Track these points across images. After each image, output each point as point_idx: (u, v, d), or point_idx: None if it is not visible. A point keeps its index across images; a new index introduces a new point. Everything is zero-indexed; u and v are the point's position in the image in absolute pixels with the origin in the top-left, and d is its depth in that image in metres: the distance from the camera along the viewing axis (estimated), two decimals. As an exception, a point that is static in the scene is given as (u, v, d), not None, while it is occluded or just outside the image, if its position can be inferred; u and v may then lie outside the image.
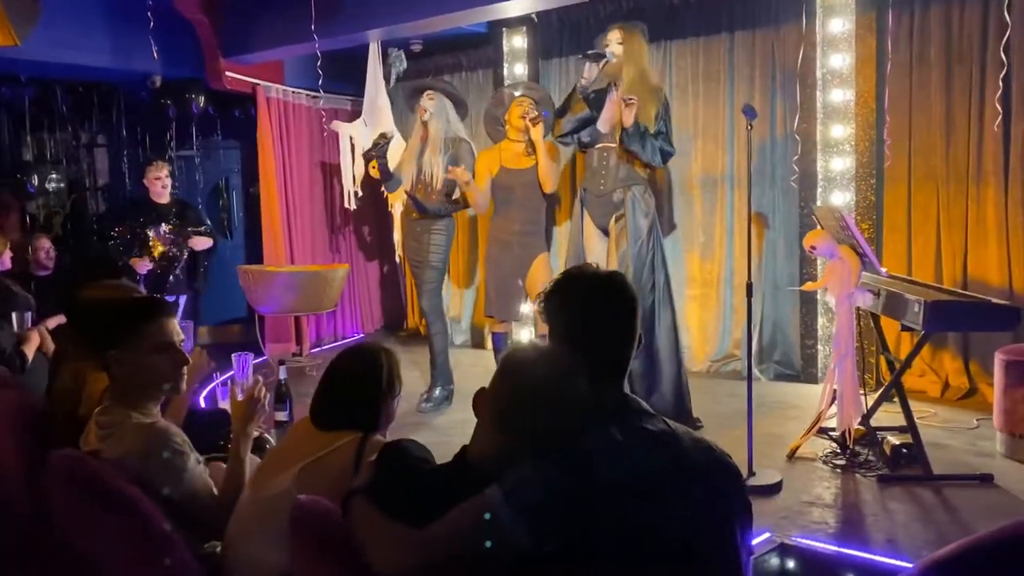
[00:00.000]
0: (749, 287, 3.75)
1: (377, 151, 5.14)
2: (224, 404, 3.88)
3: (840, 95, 5.25)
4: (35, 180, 7.02)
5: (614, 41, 4.48)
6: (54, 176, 7.57)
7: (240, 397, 2.49)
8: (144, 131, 7.45)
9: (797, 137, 5.38)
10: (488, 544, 1.42)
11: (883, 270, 3.96)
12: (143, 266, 5.94)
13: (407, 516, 1.51)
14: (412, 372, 6.16)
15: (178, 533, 2.02)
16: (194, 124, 7.24)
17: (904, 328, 3.65)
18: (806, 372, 5.53)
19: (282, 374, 3.89)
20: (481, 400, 1.61)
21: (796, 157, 5.42)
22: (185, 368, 2.24)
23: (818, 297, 5.37)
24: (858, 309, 3.96)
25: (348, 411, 2.13)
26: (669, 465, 1.53)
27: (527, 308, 5.88)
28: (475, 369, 5.72)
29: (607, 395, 1.61)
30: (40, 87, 6.86)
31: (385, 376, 2.18)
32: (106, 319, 2.25)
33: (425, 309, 5.28)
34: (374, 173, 6.21)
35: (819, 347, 5.47)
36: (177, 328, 2.25)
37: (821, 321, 5.45)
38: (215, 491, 2.25)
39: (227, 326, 7.39)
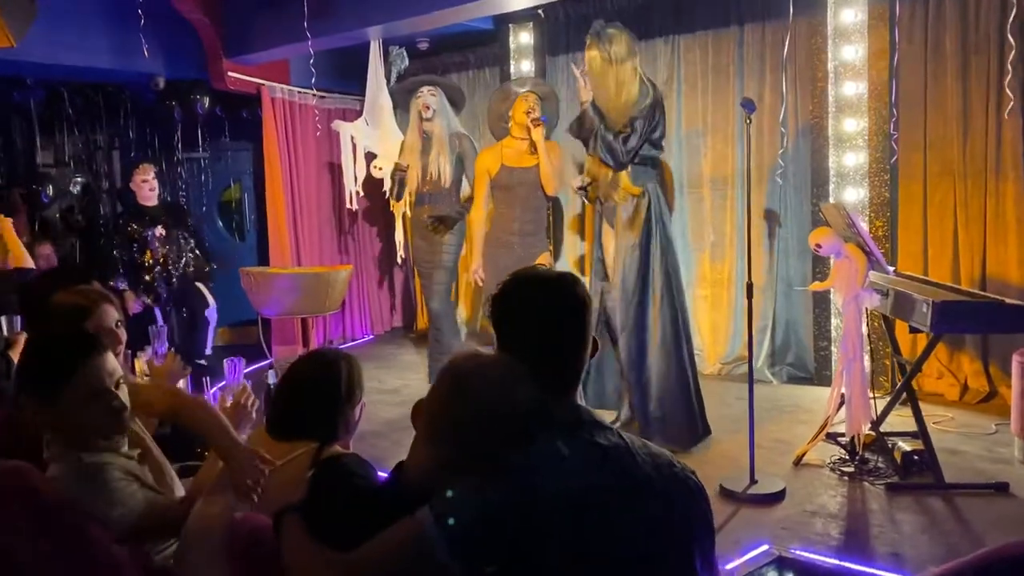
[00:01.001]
0: (749, 287, 3.61)
1: (396, 181, 5.09)
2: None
3: (852, 88, 5.08)
4: (50, 190, 7.01)
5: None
6: (79, 179, 7.59)
7: (228, 401, 2.41)
8: (152, 133, 7.44)
9: (809, 132, 5.21)
10: (418, 570, 1.31)
11: (891, 269, 3.79)
12: (134, 306, 5.91)
13: (338, 537, 1.41)
14: (418, 374, 6.08)
15: (131, 547, 1.93)
16: (201, 125, 7.20)
17: (912, 329, 3.49)
18: (820, 375, 5.36)
19: (272, 379, 3.83)
20: (419, 412, 1.49)
21: (808, 153, 5.25)
22: (126, 412, 1.99)
23: (831, 297, 5.20)
24: (869, 310, 3.80)
25: (305, 420, 2.03)
26: (620, 481, 1.41)
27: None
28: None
29: (556, 407, 1.49)
30: (47, 90, 6.86)
31: (344, 383, 2.07)
32: (27, 372, 1.97)
33: (437, 311, 5.18)
34: (376, 174, 6.15)
35: (832, 349, 5.29)
36: (111, 364, 1.97)
37: (835, 322, 5.27)
38: (175, 502, 2.16)
39: (244, 327, 7.33)
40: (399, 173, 5.09)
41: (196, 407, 2.19)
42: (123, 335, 2.64)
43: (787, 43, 5.34)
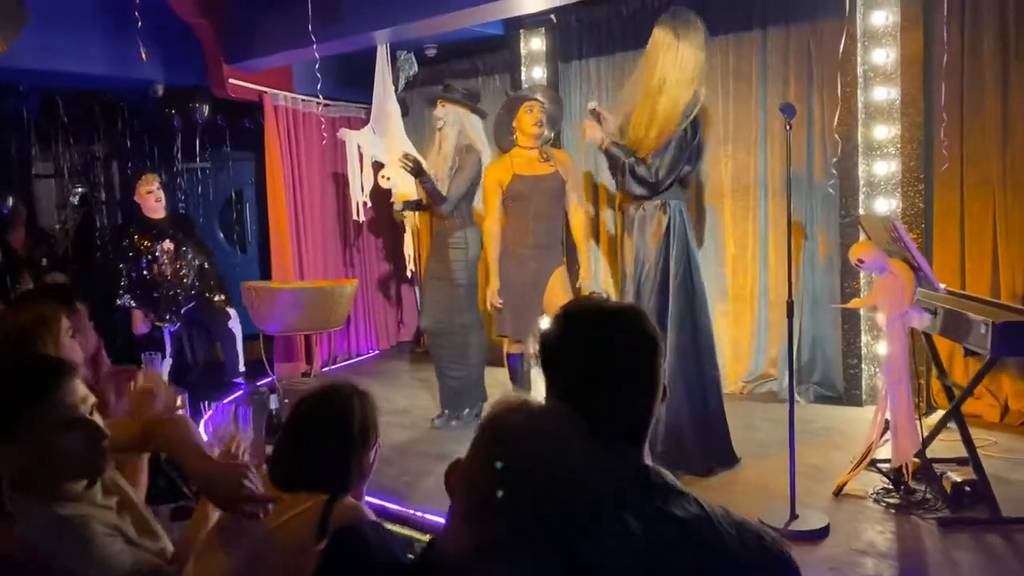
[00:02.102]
0: (790, 306, 3.36)
1: (425, 183, 4.83)
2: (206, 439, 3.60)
3: (884, 94, 4.83)
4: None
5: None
6: (79, 189, 7.37)
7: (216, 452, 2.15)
8: (151, 142, 7.21)
9: (837, 139, 4.96)
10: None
11: (942, 286, 3.54)
12: (141, 327, 5.67)
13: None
14: (427, 393, 5.83)
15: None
16: (200, 134, 6.96)
17: (968, 352, 3.24)
18: (849, 394, 5.10)
19: (273, 403, 3.59)
20: (455, 477, 1.24)
21: (835, 160, 5.01)
22: (106, 441, 1.74)
23: (861, 313, 4.94)
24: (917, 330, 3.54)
25: (312, 468, 1.78)
26: (702, 560, 1.16)
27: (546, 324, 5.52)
28: (491, 389, 5.35)
29: (622, 468, 1.24)
30: (42, 98, 6.63)
31: (358, 425, 1.82)
32: None
33: (466, 323, 4.94)
34: (383, 184, 5.90)
35: (863, 367, 5.04)
36: (82, 389, 1.73)
37: (865, 339, 5.02)
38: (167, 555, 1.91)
39: (246, 343, 7.06)
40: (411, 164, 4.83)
41: (169, 426, 1.96)
42: (79, 353, 2.38)
43: (813, 46, 5.15)
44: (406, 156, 4.83)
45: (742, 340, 5.59)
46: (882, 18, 4.80)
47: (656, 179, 3.92)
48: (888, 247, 3.51)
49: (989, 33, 4.54)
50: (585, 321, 1.32)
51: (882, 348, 4.97)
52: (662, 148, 3.90)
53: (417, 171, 4.75)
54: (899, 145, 4.81)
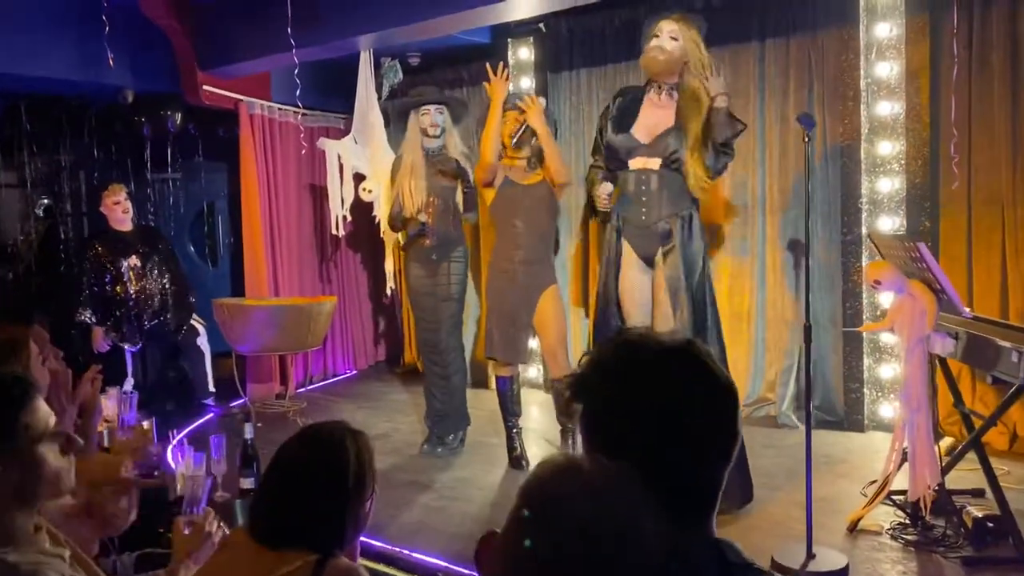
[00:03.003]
0: (807, 330, 3.13)
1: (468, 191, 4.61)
2: (179, 470, 3.32)
3: (887, 108, 4.67)
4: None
5: (667, 32, 3.74)
6: (44, 200, 7.03)
7: (187, 531, 1.90)
8: (120, 152, 6.89)
9: (839, 155, 4.79)
10: None
11: (966, 310, 3.35)
12: (102, 344, 5.34)
13: None
14: (409, 416, 5.57)
15: None
16: (172, 143, 6.67)
17: (996, 381, 3.04)
18: (850, 419, 4.91)
19: (248, 433, 3.30)
20: (489, 553, 0.99)
21: (838, 177, 4.83)
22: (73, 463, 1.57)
23: (864, 335, 4.76)
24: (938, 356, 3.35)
25: (300, 525, 1.52)
26: None
27: (535, 344, 5.28)
28: (477, 412, 5.10)
29: (689, 543, 1.00)
30: (4, 104, 6.30)
31: (352, 473, 1.57)
32: None
33: (446, 346, 4.68)
34: (365, 197, 5.64)
35: (865, 391, 4.86)
36: (45, 410, 1.55)
37: (867, 361, 4.84)
38: None
39: (217, 360, 6.73)
40: (420, 228, 4.55)
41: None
42: (46, 377, 2.24)
43: (814, 59, 4.98)
44: (447, 158, 4.62)
45: (739, 362, 5.37)
46: (886, 30, 4.65)
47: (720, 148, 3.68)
48: (907, 267, 3.31)
49: (999, 46, 4.38)
50: (642, 357, 1.07)
51: (885, 371, 4.80)
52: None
53: (462, 174, 4.58)
54: (903, 161, 4.65)
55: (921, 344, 3.24)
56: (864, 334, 4.74)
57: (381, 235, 5.87)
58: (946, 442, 4.03)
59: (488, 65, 4.46)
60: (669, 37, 3.75)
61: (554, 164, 4.33)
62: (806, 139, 3.06)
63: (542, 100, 4.50)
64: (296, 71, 5.01)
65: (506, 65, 4.56)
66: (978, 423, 3.45)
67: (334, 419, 1.73)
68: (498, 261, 4.50)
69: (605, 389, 1.06)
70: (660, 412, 1.02)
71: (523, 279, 4.41)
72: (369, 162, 5.51)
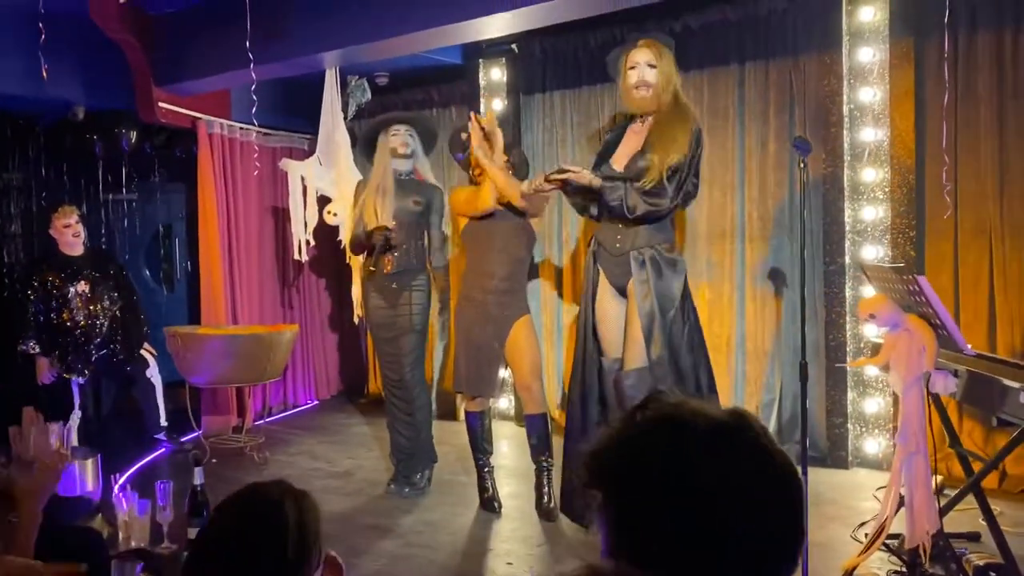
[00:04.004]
0: (803, 368, 2.94)
1: (379, 246, 4.30)
2: (123, 517, 3.03)
3: (871, 134, 4.55)
4: None
5: (644, 62, 3.55)
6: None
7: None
8: (70, 171, 6.56)
9: (820, 183, 4.64)
10: None
11: (968, 347, 3.18)
12: (47, 375, 5.01)
13: None
14: (372, 451, 5.29)
15: None
16: (126, 163, 6.36)
17: (1001, 423, 2.86)
18: (833, 455, 4.73)
19: (198, 478, 3.01)
20: None
21: (820, 206, 4.69)
22: None
23: (848, 368, 4.59)
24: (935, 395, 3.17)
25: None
26: None
27: (506, 375, 5.04)
28: (445, 447, 4.85)
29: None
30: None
31: (293, 540, 1.32)
32: None
33: (408, 381, 4.41)
34: (330, 220, 5.39)
35: (849, 426, 4.69)
36: None
37: (851, 395, 4.68)
38: None
39: (169, 389, 6.36)
40: (384, 234, 4.26)
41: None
42: None
43: (795, 83, 4.84)
44: (428, 186, 4.46)
45: (719, 394, 5.17)
46: (869, 55, 4.53)
47: (665, 187, 3.44)
48: (904, 301, 3.14)
49: (984, 71, 4.28)
50: (689, 451, 0.83)
51: (870, 405, 4.64)
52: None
53: (437, 210, 4.52)
54: (888, 189, 4.52)
55: (919, 382, 3.06)
56: (848, 369, 4.58)
57: (347, 261, 5.60)
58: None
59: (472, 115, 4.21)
60: (647, 66, 3.56)
61: (497, 183, 4.04)
62: (801, 164, 2.89)
63: (489, 117, 4.22)
64: (254, 88, 4.76)
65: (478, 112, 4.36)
66: (976, 464, 3.28)
67: (275, 478, 1.49)
68: (468, 290, 4.25)
69: (638, 478, 0.83)
70: (714, 513, 0.79)
71: (494, 309, 4.17)
72: (334, 184, 5.26)
